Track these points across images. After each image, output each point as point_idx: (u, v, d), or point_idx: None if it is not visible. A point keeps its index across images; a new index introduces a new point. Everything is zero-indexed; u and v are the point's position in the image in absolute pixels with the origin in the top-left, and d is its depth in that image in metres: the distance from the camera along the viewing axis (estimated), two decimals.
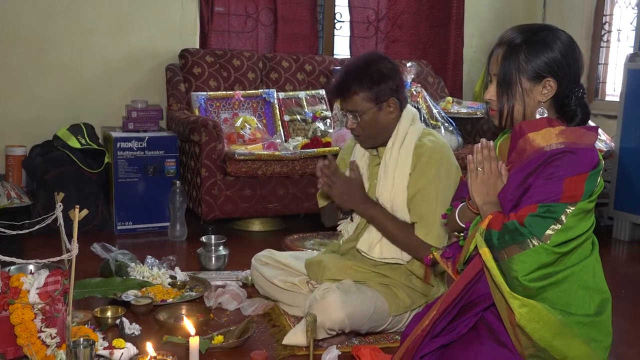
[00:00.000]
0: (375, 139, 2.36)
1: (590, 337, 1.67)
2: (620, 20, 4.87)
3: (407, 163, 2.31)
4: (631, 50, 4.48)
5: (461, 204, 1.89)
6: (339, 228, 2.52)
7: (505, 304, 1.63)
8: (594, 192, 1.64)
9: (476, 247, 1.69)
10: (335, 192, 2.26)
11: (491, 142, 1.81)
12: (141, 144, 3.77)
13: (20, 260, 1.97)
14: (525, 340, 1.63)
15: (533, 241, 1.58)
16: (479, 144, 1.79)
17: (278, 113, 4.21)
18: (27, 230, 2.10)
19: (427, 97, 4.32)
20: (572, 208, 1.60)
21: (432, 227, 2.22)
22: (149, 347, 1.87)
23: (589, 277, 1.71)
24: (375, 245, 2.33)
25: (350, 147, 2.56)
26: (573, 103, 1.76)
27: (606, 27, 4.91)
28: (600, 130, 3.43)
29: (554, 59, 1.71)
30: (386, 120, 2.32)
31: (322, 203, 2.56)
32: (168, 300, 2.61)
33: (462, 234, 1.88)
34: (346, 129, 3.88)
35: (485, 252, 1.64)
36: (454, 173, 2.29)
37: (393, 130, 2.34)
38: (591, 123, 1.81)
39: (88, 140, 3.81)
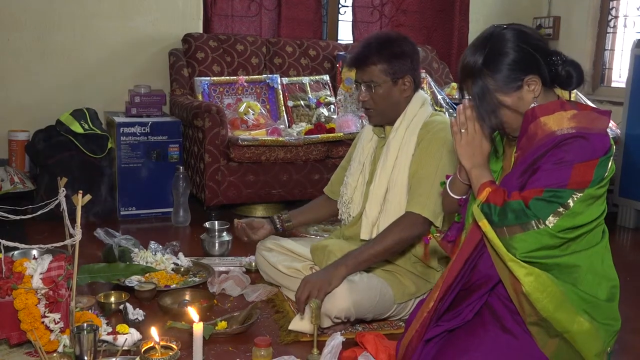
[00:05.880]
0: (384, 114, 2.36)
1: (593, 317, 1.67)
2: (627, 6, 4.82)
3: (411, 143, 2.32)
4: (638, 36, 4.44)
5: (452, 176, 1.88)
6: (340, 213, 2.53)
7: (508, 273, 1.63)
8: (605, 177, 1.62)
9: (473, 219, 1.67)
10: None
11: None
12: (144, 129, 3.76)
13: (23, 246, 1.98)
14: (528, 308, 1.63)
15: (537, 223, 1.57)
16: (461, 105, 1.76)
17: (282, 98, 4.19)
18: (30, 216, 2.10)
19: (432, 83, 4.30)
20: (579, 194, 1.59)
21: (428, 202, 2.22)
22: (154, 332, 1.87)
23: (597, 263, 1.70)
24: (374, 227, 2.34)
25: (360, 135, 2.58)
26: (561, 68, 1.72)
27: (613, 12, 4.86)
28: None
29: (514, 60, 1.68)
30: (398, 97, 2.33)
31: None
32: (172, 286, 2.61)
33: (459, 214, 1.86)
34: (350, 116, 3.90)
35: (485, 224, 1.63)
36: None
37: (402, 110, 2.35)
38: (587, 100, 1.78)
39: (91, 125, 3.80)
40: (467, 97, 1.77)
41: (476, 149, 1.73)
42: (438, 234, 1.94)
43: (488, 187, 1.67)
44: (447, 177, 1.91)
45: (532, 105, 1.70)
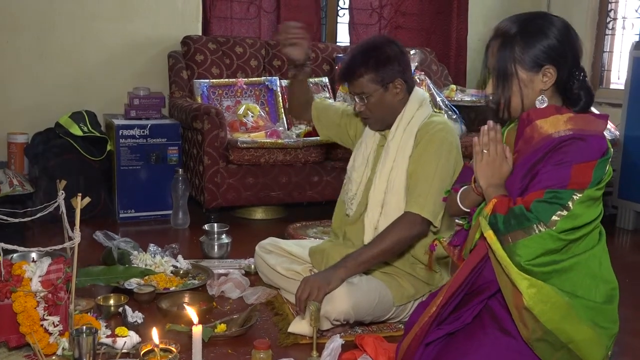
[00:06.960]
0: (383, 121, 2.37)
1: (596, 322, 1.67)
2: (626, 8, 4.83)
3: (409, 144, 2.32)
4: (636, 38, 4.45)
5: (463, 187, 1.88)
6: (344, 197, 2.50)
7: (511, 287, 1.63)
8: (603, 179, 1.64)
9: (481, 233, 1.68)
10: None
11: (498, 125, 1.80)
12: (143, 132, 3.76)
13: (22, 248, 1.97)
14: (532, 323, 1.63)
15: (539, 227, 1.58)
16: (486, 126, 1.78)
17: (281, 101, 4.19)
18: (29, 218, 2.10)
19: (431, 85, 4.30)
20: (579, 195, 1.60)
21: (427, 202, 2.21)
22: (154, 333, 1.86)
23: (595, 266, 1.70)
24: (375, 230, 2.32)
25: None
26: (576, 87, 1.75)
27: (611, 14, 4.86)
28: None
29: (550, 46, 1.71)
30: (393, 101, 2.33)
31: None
32: (171, 289, 2.61)
33: (465, 218, 1.87)
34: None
35: (490, 235, 1.63)
36: (455, 153, 2.29)
37: (399, 113, 2.35)
38: (594, 110, 1.80)
39: (90, 128, 3.80)
40: (488, 55, 1.80)
41: (495, 171, 1.75)
42: (444, 239, 1.94)
43: (494, 199, 1.67)
44: (455, 190, 1.91)
45: (538, 99, 1.72)
